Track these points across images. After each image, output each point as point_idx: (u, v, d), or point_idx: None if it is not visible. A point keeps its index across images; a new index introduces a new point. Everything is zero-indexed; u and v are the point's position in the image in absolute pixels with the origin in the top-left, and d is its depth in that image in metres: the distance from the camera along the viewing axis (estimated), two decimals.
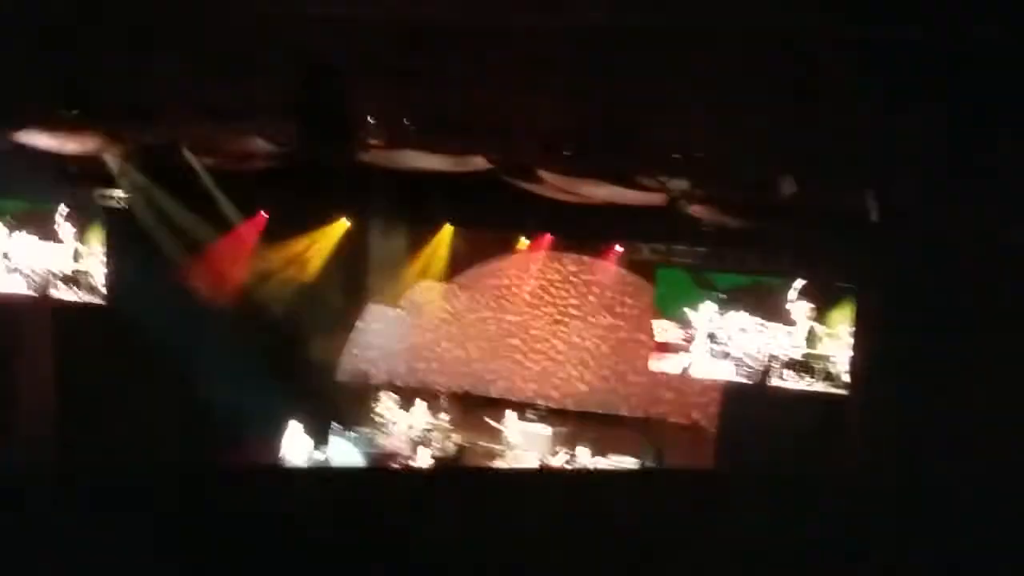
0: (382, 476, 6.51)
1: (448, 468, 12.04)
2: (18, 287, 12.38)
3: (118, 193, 12.11)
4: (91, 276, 12.11)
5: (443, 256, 13.75)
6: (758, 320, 11.12)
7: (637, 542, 4.10)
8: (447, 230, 13.51)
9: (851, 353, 10.73)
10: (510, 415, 13.06)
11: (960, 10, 8.67)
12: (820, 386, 10.90)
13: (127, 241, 12.09)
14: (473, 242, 13.70)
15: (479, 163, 10.95)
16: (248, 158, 11.66)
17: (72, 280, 12.18)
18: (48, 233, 12.24)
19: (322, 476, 5.94)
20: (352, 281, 13.91)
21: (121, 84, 10.80)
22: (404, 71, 10.39)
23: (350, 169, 11.34)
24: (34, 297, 12.37)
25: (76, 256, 12.16)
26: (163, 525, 3.82)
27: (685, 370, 11.59)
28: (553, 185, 11.01)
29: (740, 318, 11.20)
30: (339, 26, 10.03)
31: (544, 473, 9.79)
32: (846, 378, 10.77)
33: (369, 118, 10.85)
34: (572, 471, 11.41)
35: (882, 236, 9.98)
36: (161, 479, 4.02)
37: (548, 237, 13.39)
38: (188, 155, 11.67)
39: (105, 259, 12.03)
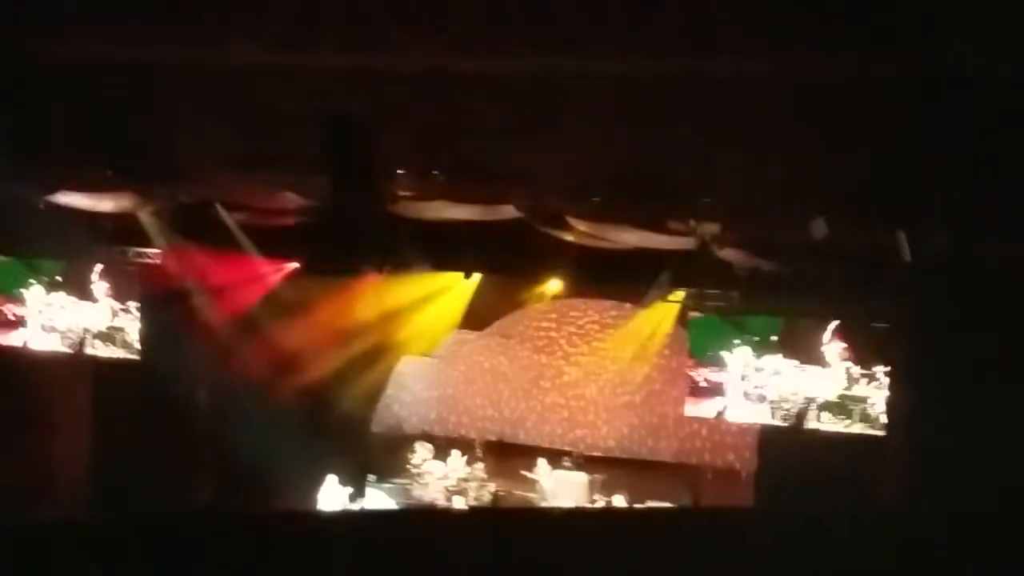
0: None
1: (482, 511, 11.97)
2: (54, 345, 12.47)
3: (152, 250, 12.22)
4: (125, 333, 12.18)
5: (475, 305, 13.75)
6: (793, 362, 11.02)
7: None
8: (478, 279, 13.52)
9: (887, 394, 10.61)
10: (544, 463, 12.98)
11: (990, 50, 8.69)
12: (857, 427, 10.77)
13: (161, 298, 12.17)
14: (504, 290, 13.69)
15: (509, 212, 10.99)
16: (280, 213, 11.76)
17: (107, 337, 12.27)
18: (83, 291, 12.36)
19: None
20: (385, 332, 13.92)
21: (153, 143, 10.97)
22: (432, 122, 10.49)
23: (380, 220, 11.40)
24: (69, 354, 12.46)
25: (110, 313, 12.25)
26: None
27: (720, 414, 11.50)
28: (583, 232, 11.02)
29: (775, 361, 11.10)
30: (366, 78, 10.16)
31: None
32: (883, 419, 10.63)
33: (398, 170, 10.94)
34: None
35: (915, 276, 9.92)
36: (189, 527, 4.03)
37: (578, 284, 13.37)
38: (221, 211, 11.78)
39: (139, 316, 12.11)
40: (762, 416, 11.24)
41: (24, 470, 12.08)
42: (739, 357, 11.27)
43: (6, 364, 12.50)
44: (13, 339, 12.53)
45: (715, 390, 11.39)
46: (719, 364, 11.35)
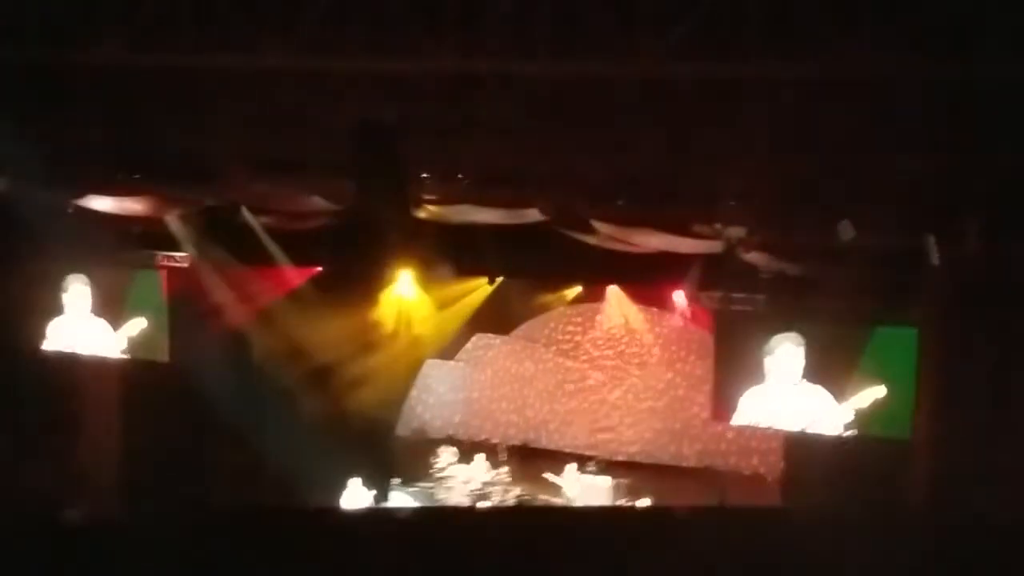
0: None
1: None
2: (83, 347, 12.56)
3: (180, 254, 12.29)
4: (153, 336, 12.25)
5: (501, 309, 13.78)
6: (821, 369, 10.93)
7: None
8: (503, 283, 13.55)
9: (913, 397, 10.52)
10: (569, 468, 12.98)
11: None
12: (882, 431, 10.67)
13: (189, 301, 12.25)
14: (529, 294, 13.72)
15: (533, 215, 11.00)
16: (306, 216, 11.82)
17: (135, 340, 12.34)
18: (112, 294, 12.43)
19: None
20: (409, 335, 13.96)
21: (181, 147, 11.05)
22: (457, 126, 10.52)
23: (406, 224, 11.44)
24: (99, 357, 12.55)
25: (138, 316, 12.32)
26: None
27: (747, 421, 11.42)
28: (608, 235, 11.02)
29: (800, 364, 11.00)
30: (392, 83, 10.20)
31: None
32: (909, 422, 10.53)
33: (424, 174, 10.97)
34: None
35: (943, 279, 9.87)
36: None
37: (604, 287, 13.38)
38: (247, 215, 11.85)
39: (168, 319, 12.18)
40: (788, 422, 11.12)
41: (54, 471, 12.16)
42: (766, 361, 11.11)
43: (38, 367, 12.59)
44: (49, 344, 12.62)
45: (741, 395, 11.27)
46: (745, 368, 11.18)
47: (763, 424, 11.28)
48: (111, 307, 12.43)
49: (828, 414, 10.72)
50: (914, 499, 9.90)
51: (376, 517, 6.58)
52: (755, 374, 11.08)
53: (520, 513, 8.54)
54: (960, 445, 9.49)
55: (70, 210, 11.63)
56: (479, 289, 13.47)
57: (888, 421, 10.53)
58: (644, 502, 12.41)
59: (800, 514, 6.70)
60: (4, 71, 10.35)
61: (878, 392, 10.52)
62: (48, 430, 12.31)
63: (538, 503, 13.00)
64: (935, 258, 9.71)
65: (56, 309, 12.54)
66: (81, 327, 12.54)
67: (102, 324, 12.46)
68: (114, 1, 10.18)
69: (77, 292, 12.47)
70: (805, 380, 10.83)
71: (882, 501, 9.77)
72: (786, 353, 10.90)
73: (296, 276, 12.72)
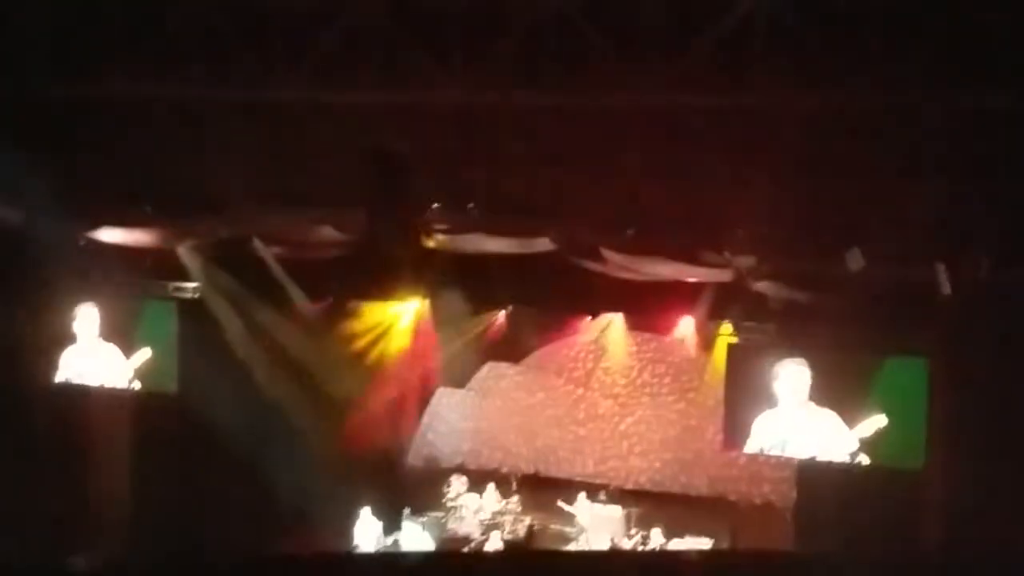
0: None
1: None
2: (95, 374, 12.59)
3: (190, 285, 12.33)
4: (162, 366, 12.26)
5: (511, 338, 13.78)
6: (830, 395, 10.90)
7: None
8: (513, 311, 13.56)
9: (924, 426, 10.47)
10: (584, 498, 12.93)
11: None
12: (894, 461, 10.63)
13: (199, 331, 12.27)
14: (540, 323, 13.71)
15: (544, 244, 11.02)
16: (317, 246, 11.86)
17: (144, 371, 12.37)
18: (123, 323, 12.47)
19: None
20: (420, 365, 13.96)
21: (192, 179, 11.10)
22: (467, 156, 10.56)
23: (416, 254, 11.47)
24: (107, 388, 12.57)
25: (149, 347, 12.35)
26: None
27: (758, 448, 11.40)
28: (618, 264, 11.02)
29: (807, 383, 10.98)
30: (402, 114, 10.25)
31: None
32: (921, 452, 10.49)
33: (434, 203, 11.00)
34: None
35: (954, 309, 9.84)
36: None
37: (614, 316, 13.37)
38: (259, 245, 11.89)
39: (177, 349, 12.20)
40: (799, 451, 11.11)
41: (66, 503, 12.19)
42: (776, 389, 11.12)
43: (48, 400, 12.62)
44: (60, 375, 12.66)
45: (753, 424, 11.27)
46: (757, 397, 11.18)
47: (774, 450, 11.26)
48: (122, 336, 12.45)
49: (838, 438, 10.73)
50: (926, 530, 9.85)
51: (385, 563, 6.54)
52: (766, 399, 11.12)
53: (527, 557, 8.47)
54: (972, 475, 9.44)
55: (82, 242, 11.69)
56: (491, 319, 13.51)
57: (900, 451, 10.51)
58: (655, 531, 12.35)
59: (813, 560, 6.63)
60: (18, 106, 10.44)
61: (880, 422, 10.52)
62: (56, 461, 12.33)
63: (550, 532, 12.96)
64: (946, 287, 9.69)
65: (68, 339, 12.56)
66: (92, 354, 12.55)
67: (113, 350, 12.47)
68: (126, 36, 10.26)
69: (87, 317, 12.48)
70: (813, 403, 10.87)
71: (895, 532, 9.71)
72: (792, 374, 10.97)
73: (310, 308, 12.77)
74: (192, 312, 12.26)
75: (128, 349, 12.40)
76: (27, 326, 12.29)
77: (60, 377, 12.63)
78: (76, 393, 12.64)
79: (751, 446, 11.33)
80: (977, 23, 8.72)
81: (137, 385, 12.43)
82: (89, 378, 12.59)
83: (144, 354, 12.33)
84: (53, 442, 12.45)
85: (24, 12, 10.32)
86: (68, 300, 12.47)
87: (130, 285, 12.41)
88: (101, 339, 12.50)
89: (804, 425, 10.96)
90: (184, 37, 10.20)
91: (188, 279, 12.29)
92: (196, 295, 12.32)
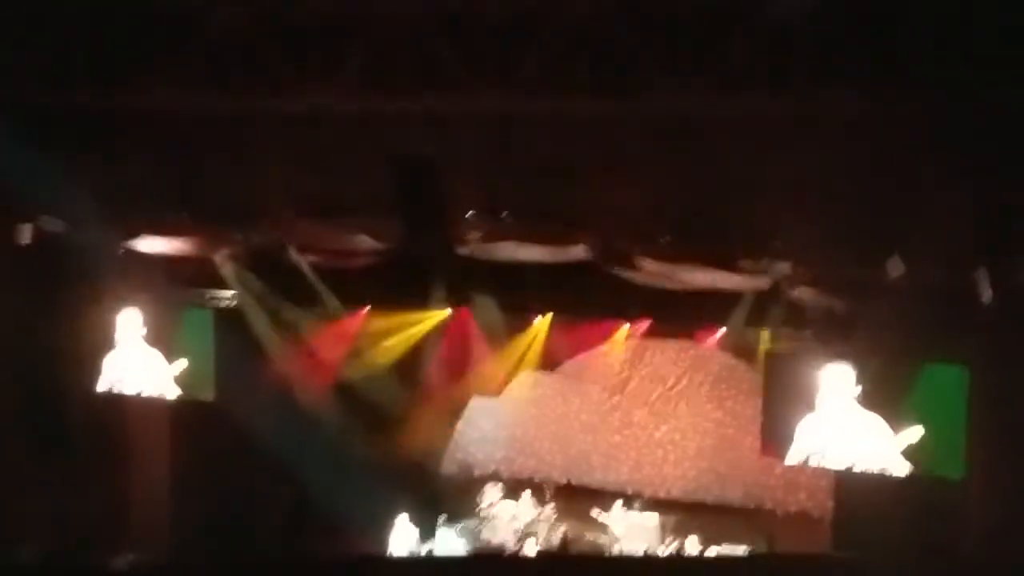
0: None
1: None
2: (136, 379, 12.66)
3: (227, 293, 12.40)
4: (200, 375, 12.33)
5: (546, 346, 13.76)
6: (869, 403, 10.80)
7: None
8: (548, 320, 13.54)
9: (965, 436, 10.36)
10: (619, 506, 12.88)
11: None
12: (934, 470, 10.51)
13: (235, 339, 12.34)
14: (575, 331, 13.69)
15: (578, 252, 11.00)
16: (352, 255, 11.90)
17: (182, 379, 12.43)
18: (162, 331, 12.55)
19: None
20: (456, 372, 13.97)
21: (229, 188, 11.18)
22: (502, 164, 10.57)
23: (451, 262, 11.48)
24: (145, 397, 12.65)
25: (188, 354, 12.42)
26: None
27: (804, 455, 11.28)
28: (653, 272, 10.99)
29: (850, 402, 10.87)
30: (437, 122, 10.27)
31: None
32: (961, 461, 10.37)
33: (469, 212, 11.02)
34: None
35: (995, 315, 9.74)
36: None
37: (650, 324, 13.33)
38: (294, 254, 11.94)
39: (214, 357, 12.26)
40: (838, 460, 10.98)
41: (102, 509, 12.27)
42: (815, 397, 11.02)
43: (88, 408, 12.72)
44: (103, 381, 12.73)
45: (790, 432, 11.16)
46: (793, 404, 11.08)
47: (816, 456, 11.11)
48: (162, 343, 12.52)
49: (882, 444, 10.60)
50: (966, 542, 9.73)
51: (421, 567, 6.55)
52: (807, 406, 10.98)
53: (564, 562, 8.44)
54: (1013, 486, 9.32)
55: (121, 251, 11.78)
56: (526, 327, 13.51)
57: (940, 460, 10.38)
58: (691, 539, 12.28)
59: (851, 563, 6.57)
60: (58, 116, 10.55)
61: (916, 433, 10.39)
62: (97, 469, 12.43)
63: (585, 541, 12.91)
64: (987, 294, 9.59)
65: (109, 345, 12.64)
66: (134, 358, 12.61)
67: (156, 354, 12.52)
68: (164, 45, 10.35)
69: (130, 321, 12.53)
70: (859, 406, 10.73)
71: (936, 543, 9.61)
72: (838, 376, 10.81)
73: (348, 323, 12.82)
74: (229, 320, 12.33)
75: (168, 356, 12.47)
76: (69, 333, 12.37)
77: (103, 382, 12.69)
78: (117, 399, 12.72)
79: (794, 454, 11.19)
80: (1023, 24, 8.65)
81: (176, 392, 12.50)
82: (130, 383, 12.65)
83: (180, 364, 12.40)
84: (95, 446, 12.54)
85: (65, 23, 10.43)
86: (109, 306, 12.55)
87: (168, 293, 12.49)
88: (145, 343, 12.57)
89: (849, 429, 10.81)
90: (222, 47, 10.27)
91: (225, 287, 12.36)
92: (233, 303, 12.40)
